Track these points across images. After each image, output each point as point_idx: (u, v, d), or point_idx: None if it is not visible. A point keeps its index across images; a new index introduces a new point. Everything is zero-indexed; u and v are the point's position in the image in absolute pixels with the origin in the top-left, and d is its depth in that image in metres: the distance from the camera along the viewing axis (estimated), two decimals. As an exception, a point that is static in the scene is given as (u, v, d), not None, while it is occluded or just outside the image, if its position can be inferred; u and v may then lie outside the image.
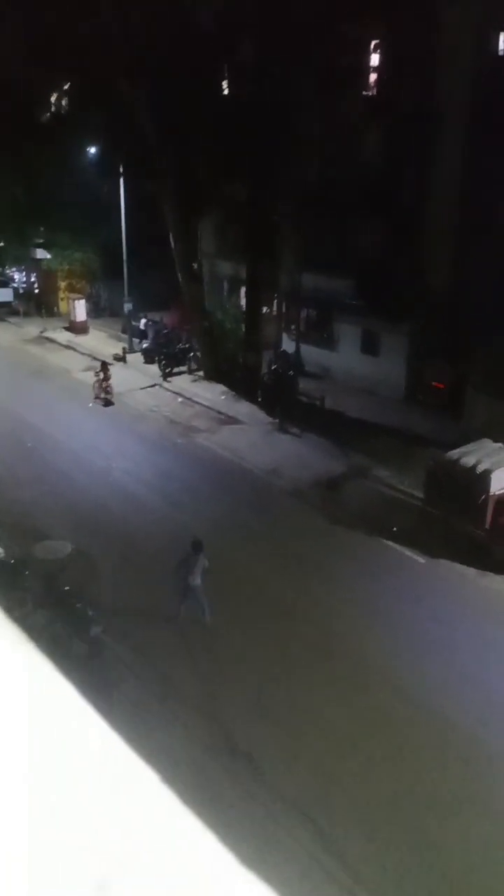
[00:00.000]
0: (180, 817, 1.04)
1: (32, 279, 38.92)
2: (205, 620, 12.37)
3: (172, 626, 12.29)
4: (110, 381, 23.88)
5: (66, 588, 12.33)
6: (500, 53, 21.91)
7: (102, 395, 23.80)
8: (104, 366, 24.43)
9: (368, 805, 9.10)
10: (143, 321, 30.34)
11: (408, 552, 15.06)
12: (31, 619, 12.11)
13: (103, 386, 23.75)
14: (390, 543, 15.40)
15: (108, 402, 23.71)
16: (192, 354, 27.38)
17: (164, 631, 12.25)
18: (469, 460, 14.95)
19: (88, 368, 27.72)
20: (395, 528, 15.81)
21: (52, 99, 30.46)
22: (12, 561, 12.99)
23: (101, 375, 23.93)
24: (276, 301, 28.09)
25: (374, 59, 23.53)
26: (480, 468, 14.64)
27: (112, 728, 1.16)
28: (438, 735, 10.23)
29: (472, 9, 20.54)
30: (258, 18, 20.64)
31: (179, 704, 10.67)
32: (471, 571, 14.35)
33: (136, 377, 26.93)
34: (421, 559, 14.84)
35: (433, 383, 22.81)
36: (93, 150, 28.72)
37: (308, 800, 9.09)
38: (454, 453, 15.45)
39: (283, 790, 9.21)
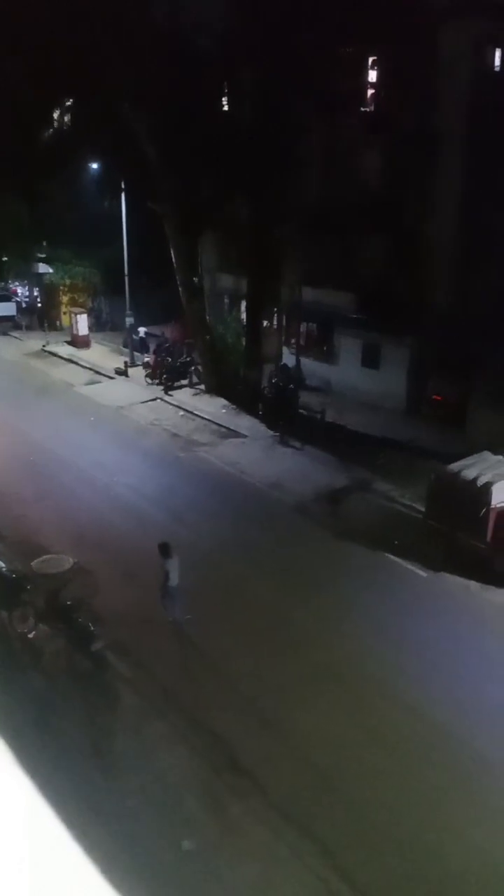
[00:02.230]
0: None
1: (35, 293, 39.12)
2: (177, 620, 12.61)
3: (174, 635, 12.35)
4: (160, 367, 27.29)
5: (68, 602, 12.34)
6: (497, 69, 22.17)
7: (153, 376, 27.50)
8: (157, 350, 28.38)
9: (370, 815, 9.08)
10: (143, 330, 30.49)
11: (410, 566, 15.04)
12: (33, 633, 12.18)
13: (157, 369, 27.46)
14: (392, 557, 15.38)
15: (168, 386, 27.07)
16: (193, 368, 27.50)
17: (166, 647, 12.24)
18: (470, 473, 14.93)
19: (91, 382, 27.91)
20: (396, 542, 15.80)
21: (55, 115, 30.75)
22: (14, 576, 13.00)
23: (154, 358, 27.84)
24: (276, 315, 28.20)
25: (373, 76, 23.80)
26: (481, 481, 14.61)
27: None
28: (449, 753, 10.19)
29: (470, 25, 20.79)
30: (257, 41, 20.82)
31: (181, 720, 10.66)
32: (473, 584, 14.32)
33: (137, 391, 27.05)
34: (423, 573, 14.81)
35: (434, 396, 22.85)
36: (95, 166, 28.98)
37: (311, 815, 9.08)
38: (455, 466, 15.44)
39: (287, 808, 9.18)
